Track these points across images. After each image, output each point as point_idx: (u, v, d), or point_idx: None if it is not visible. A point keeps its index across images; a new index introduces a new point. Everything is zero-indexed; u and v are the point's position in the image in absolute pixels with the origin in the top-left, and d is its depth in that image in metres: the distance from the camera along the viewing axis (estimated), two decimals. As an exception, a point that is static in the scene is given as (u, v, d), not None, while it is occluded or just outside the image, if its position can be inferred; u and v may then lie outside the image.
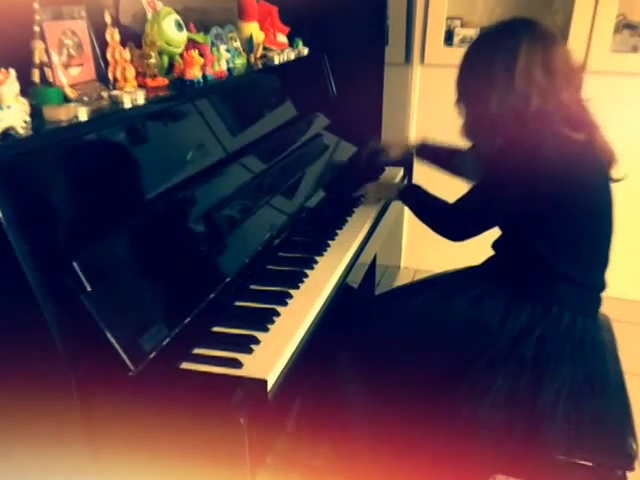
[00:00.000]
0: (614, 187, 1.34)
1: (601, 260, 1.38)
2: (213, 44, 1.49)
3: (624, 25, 2.45)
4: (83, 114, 1.04)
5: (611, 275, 1.36)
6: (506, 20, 1.36)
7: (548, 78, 1.27)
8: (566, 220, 1.31)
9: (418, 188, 1.62)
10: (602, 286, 1.40)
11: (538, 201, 1.28)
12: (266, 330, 1.12)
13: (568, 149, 1.25)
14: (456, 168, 1.72)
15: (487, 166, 1.37)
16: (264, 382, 0.97)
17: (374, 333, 1.42)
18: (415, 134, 2.76)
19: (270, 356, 1.04)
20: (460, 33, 2.59)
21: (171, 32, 1.31)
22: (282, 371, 1.04)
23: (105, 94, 1.15)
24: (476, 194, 1.39)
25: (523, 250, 1.38)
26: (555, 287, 1.34)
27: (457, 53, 2.65)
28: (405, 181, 2.14)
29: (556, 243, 1.34)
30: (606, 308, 1.42)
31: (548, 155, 1.24)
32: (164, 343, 0.98)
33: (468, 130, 1.41)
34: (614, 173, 1.35)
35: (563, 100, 1.29)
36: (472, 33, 2.56)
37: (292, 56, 1.86)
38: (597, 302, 1.41)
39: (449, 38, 2.61)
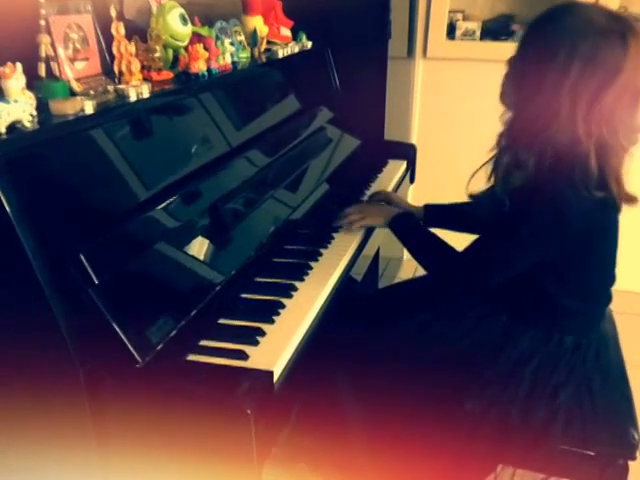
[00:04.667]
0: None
1: (608, 283, 1.33)
2: (218, 38, 1.49)
3: (627, 18, 2.44)
4: (89, 108, 1.05)
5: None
6: (612, 12, 1.10)
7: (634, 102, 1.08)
8: (576, 258, 1.23)
9: (414, 219, 1.47)
10: (608, 302, 1.36)
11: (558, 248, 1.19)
12: (272, 322, 1.12)
13: (586, 209, 1.12)
14: (469, 224, 1.52)
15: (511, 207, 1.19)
16: (270, 373, 0.97)
17: (377, 326, 1.42)
18: (417, 127, 2.76)
19: (276, 348, 1.05)
20: (462, 26, 2.58)
21: (176, 26, 1.31)
22: (288, 362, 1.04)
23: (111, 88, 1.16)
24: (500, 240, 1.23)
25: (525, 283, 1.28)
26: (558, 318, 1.29)
27: (459, 46, 2.67)
28: (407, 177, 2.14)
29: (563, 279, 1.26)
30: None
31: (569, 213, 1.12)
32: (171, 335, 0.99)
33: (514, 124, 1.19)
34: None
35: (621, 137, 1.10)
36: (474, 26, 2.56)
37: (296, 50, 1.86)
38: (601, 318, 1.37)
39: (451, 32, 2.61)
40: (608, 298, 1.36)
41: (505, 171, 1.19)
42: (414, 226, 1.45)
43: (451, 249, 1.33)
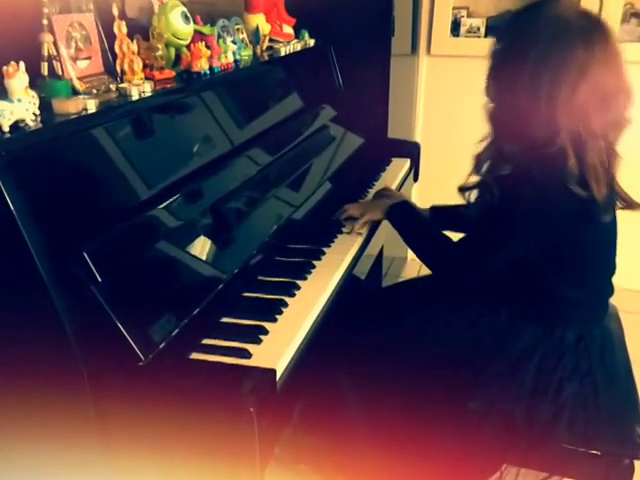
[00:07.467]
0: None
1: (608, 272, 1.33)
2: (219, 36, 1.49)
3: (632, 14, 2.43)
4: (92, 106, 1.05)
5: (618, 265, 1.34)
6: (582, 11, 1.15)
7: (600, 111, 1.11)
8: (572, 247, 1.24)
9: (410, 208, 1.47)
10: (610, 294, 1.36)
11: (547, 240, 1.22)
12: (274, 321, 1.12)
13: (570, 205, 1.15)
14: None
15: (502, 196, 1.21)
16: (273, 372, 0.97)
17: (380, 325, 1.42)
18: (421, 125, 2.76)
19: (279, 346, 1.05)
20: (466, 23, 2.57)
21: (178, 24, 1.31)
22: (290, 361, 1.04)
23: (113, 86, 1.16)
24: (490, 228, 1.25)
25: (523, 277, 1.29)
26: (558, 311, 1.29)
27: (463, 43, 2.66)
28: (411, 175, 2.13)
29: (560, 270, 1.26)
30: (613, 298, 1.41)
31: (552, 208, 1.15)
32: (174, 334, 0.99)
33: (493, 116, 1.24)
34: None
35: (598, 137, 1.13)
36: (478, 23, 2.55)
37: (298, 48, 1.86)
38: (604, 311, 1.37)
39: (455, 28, 2.60)
40: (609, 289, 1.35)
41: (492, 163, 1.23)
42: (409, 213, 1.46)
43: (448, 239, 1.34)
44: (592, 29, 1.11)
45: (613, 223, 1.27)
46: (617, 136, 1.18)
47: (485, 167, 1.25)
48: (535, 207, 1.15)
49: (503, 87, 1.19)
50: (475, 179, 1.30)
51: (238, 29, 1.62)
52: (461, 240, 1.31)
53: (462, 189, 1.35)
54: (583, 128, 1.12)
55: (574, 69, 1.09)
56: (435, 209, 1.64)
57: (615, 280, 1.35)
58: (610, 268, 1.33)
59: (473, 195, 1.35)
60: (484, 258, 1.27)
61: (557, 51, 1.10)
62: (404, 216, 1.46)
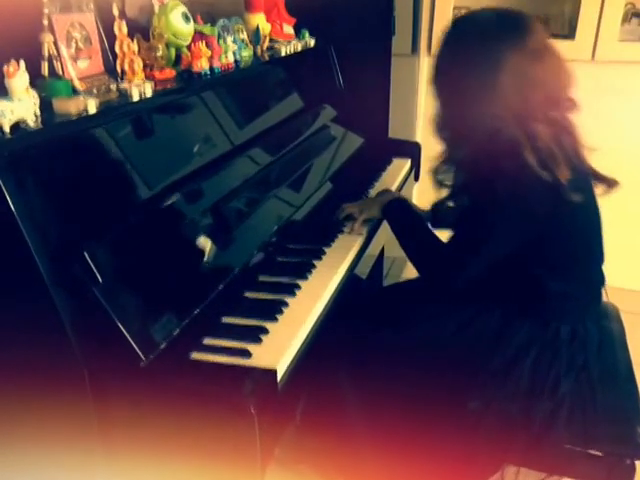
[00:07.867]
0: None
1: (596, 261, 1.33)
2: (220, 36, 1.49)
3: (633, 14, 2.42)
4: (92, 106, 1.05)
5: (618, 266, 1.34)
6: (506, 12, 1.22)
7: (533, 97, 1.16)
8: (557, 237, 1.25)
9: (406, 206, 1.49)
10: (601, 282, 1.35)
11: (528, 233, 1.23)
12: (275, 320, 1.12)
13: (541, 190, 1.15)
14: None
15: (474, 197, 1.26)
16: (274, 372, 0.97)
17: (380, 325, 1.42)
18: (422, 125, 2.75)
19: (279, 346, 1.05)
20: (467, 23, 2.57)
21: (178, 24, 1.31)
22: (291, 361, 1.04)
23: (113, 86, 1.16)
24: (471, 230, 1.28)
25: (512, 273, 1.30)
26: (551, 305, 1.29)
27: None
28: (411, 175, 2.13)
29: (548, 261, 1.27)
30: (614, 299, 1.41)
31: (518, 192, 1.15)
32: (175, 333, 0.99)
33: (440, 126, 1.29)
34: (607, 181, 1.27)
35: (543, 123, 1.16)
36: (479, 23, 2.55)
37: (299, 47, 1.86)
38: (597, 303, 1.37)
39: (456, 28, 2.59)
40: (600, 278, 1.35)
41: (454, 173, 1.29)
42: (405, 210, 1.48)
43: (438, 240, 1.35)
44: (509, 24, 1.19)
45: (594, 208, 1.28)
46: (562, 116, 1.21)
47: (448, 179, 1.32)
48: (510, 198, 1.16)
49: (442, 96, 1.27)
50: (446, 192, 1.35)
51: (238, 29, 1.62)
52: (448, 243, 1.32)
53: (436, 205, 1.41)
54: (522, 113, 1.16)
55: (491, 62, 1.15)
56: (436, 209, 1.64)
57: (615, 280, 1.34)
58: (597, 256, 1.33)
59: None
60: (469, 257, 1.28)
61: (474, 50, 1.19)
62: (399, 212, 1.48)
